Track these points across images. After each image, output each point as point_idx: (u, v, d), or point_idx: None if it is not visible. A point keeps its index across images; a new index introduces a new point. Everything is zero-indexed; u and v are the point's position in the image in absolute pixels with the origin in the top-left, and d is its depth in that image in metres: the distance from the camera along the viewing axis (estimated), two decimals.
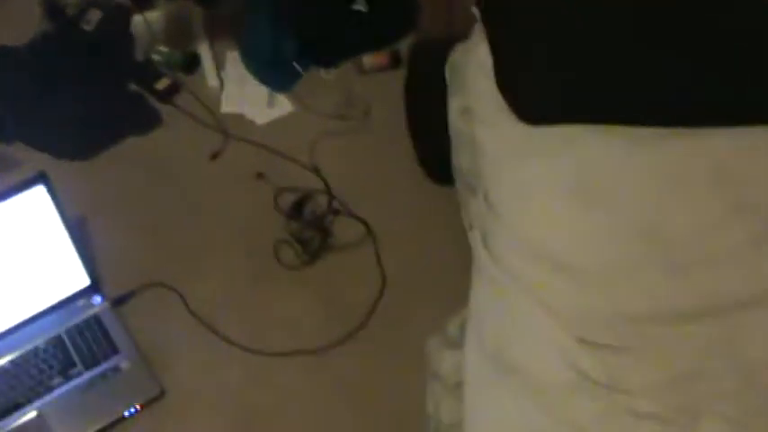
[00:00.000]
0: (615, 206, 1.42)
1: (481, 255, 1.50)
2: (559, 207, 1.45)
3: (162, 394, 1.73)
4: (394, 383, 1.74)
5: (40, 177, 1.69)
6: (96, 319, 1.81)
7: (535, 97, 1.54)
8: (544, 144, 1.51)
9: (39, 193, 1.69)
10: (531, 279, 1.42)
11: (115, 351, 1.76)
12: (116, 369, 1.75)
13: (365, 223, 1.97)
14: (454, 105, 1.76)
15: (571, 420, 1.31)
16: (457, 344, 1.55)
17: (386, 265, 1.91)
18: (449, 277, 1.50)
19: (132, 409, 1.70)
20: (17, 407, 1.69)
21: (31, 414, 1.69)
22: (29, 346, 1.76)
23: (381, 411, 1.71)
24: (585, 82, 1.52)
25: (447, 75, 1.80)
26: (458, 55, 1.78)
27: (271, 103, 2.24)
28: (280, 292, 1.89)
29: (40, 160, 2.04)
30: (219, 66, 2.32)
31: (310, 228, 1.95)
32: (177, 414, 1.72)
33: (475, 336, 1.48)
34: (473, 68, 1.66)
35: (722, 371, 1.31)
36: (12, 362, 1.74)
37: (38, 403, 1.70)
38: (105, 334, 1.78)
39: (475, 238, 1.55)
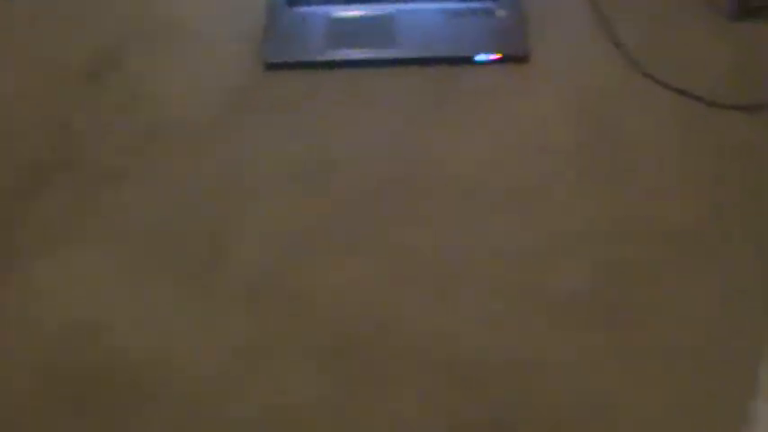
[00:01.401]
0: None
1: None
2: None
3: (524, 59, 1.50)
4: None
5: None
6: None
7: None
8: None
9: None
10: None
11: None
12: (490, 13, 1.54)
13: None
14: None
15: None
16: None
17: None
18: None
19: (488, 57, 1.48)
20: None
21: (387, 12, 1.53)
22: None
23: (753, 191, 1.36)
24: None
25: None
26: None
27: None
28: (696, 31, 1.57)
29: None
30: None
31: None
32: (525, 85, 1.48)
33: None
34: None
35: None
36: None
37: (398, 6, 1.54)
38: None
39: None
